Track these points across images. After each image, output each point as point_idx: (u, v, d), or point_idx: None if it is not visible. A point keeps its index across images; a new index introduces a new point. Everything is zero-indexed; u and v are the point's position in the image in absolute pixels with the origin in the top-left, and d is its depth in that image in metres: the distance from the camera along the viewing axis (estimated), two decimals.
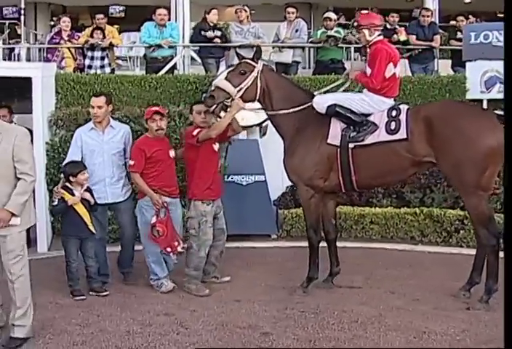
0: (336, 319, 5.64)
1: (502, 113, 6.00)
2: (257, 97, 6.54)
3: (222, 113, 6.64)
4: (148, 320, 5.66)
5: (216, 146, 6.76)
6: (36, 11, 19.91)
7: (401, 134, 6.02)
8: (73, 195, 6.37)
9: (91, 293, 6.44)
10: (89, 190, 6.50)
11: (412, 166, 6.19)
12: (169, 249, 6.55)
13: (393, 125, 6.07)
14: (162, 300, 6.27)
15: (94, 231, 6.50)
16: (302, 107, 6.49)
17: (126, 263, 7.05)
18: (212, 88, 6.99)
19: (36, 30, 19.47)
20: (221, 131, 6.58)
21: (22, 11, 14.78)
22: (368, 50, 6.59)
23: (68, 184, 6.43)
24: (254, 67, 6.44)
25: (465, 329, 5.39)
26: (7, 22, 16.91)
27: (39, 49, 14.65)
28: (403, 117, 6.07)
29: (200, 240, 6.59)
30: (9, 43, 15.16)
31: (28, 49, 14.57)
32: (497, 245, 5.91)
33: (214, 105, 6.42)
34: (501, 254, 6.24)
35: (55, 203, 6.44)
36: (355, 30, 6.88)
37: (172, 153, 6.80)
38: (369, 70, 6.36)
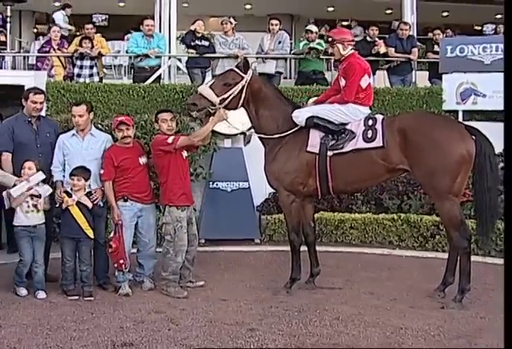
0: (318, 317, 5.93)
1: (469, 123, 6.43)
2: (240, 106, 6.77)
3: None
4: (140, 317, 5.91)
5: (185, 153, 6.93)
6: (20, 19, 19.99)
7: (378, 142, 6.34)
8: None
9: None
10: (89, 195, 6.69)
11: (386, 172, 6.52)
12: (115, 265, 6.71)
13: (369, 133, 6.39)
14: (152, 300, 6.51)
15: (90, 235, 6.67)
16: (285, 133, 6.75)
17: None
18: (196, 94, 7.07)
19: (20, 37, 19.58)
20: (204, 138, 6.84)
21: (8, 19, 14.96)
22: (341, 64, 6.86)
23: (69, 189, 6.65)
24: (243, 77, 6.64)
25: (439, 325, 5.70)
26: None
27: (24, 57, 14.88)
28: (379, 126, 6.39)
29: (176, 245, 6.75)
30: None
31: (14, 56, 14.78)
32: (468, 247, 6.27)
33: (196, 112, 6.68)
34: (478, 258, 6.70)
35: (57, 205, 6.66)
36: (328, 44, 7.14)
37: (141, 160, 6.94)
38: (343, 82, 6.68)
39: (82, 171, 6.68)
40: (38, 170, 6.59)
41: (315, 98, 7.27)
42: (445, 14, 20.23)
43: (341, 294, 6.77)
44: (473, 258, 6.51)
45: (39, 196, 6.58)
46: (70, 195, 6.60)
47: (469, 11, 18.53)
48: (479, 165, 6.18)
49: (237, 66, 6.80)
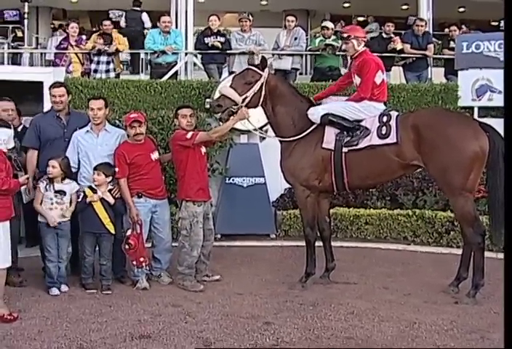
0: (333, 311, 6.01)
1: (484, 120, 6.43)
2: (260, 104, 6.84)
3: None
4: (157, 310, 6.02)
5: (203, 149, 7.03)
6: (37, 15, 20.01)
7: (392, 138, 6.40)
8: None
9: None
10: (110, 191, 6.75)
11: (400, 168, 6.58)
12: (134, 263, 6.80)
13: (384, 130, 6.46)
14: (169, 293, 6.62)
15: (111, 231, 6.74)
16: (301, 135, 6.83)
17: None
18: (218, 95, 7.22)
19: (37, 33, 19.69)
20: (222, 135, 6.95)
21: (26, 15, 15.04)
22: (353, 60, 6.94)
23: (93, 183, 6.72)
24: (261, 75, 6.71)
25: (453, 320, 5.76)
26: (10, 26, 17.15)
27: (41, 53, 14.98)
28: (393, 123, 6.45)
29: (192, 240, 6.84)
30: (12, 47, 15.35)
31: (31, 52, 14.88)
32: (482, 243, 6.31)
33: (221, 113, 6.72)
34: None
35: (79, 199, 6.70)
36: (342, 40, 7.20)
37: (153, 156, 6.99)
38: (358, 79, 6.77)
39: (104, 167, 6.73)
40: (62, 169, 6.66)
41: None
42: (461, 9, 20.13)
43: (356, 288, 6.84)
44: (487, 254, 6.55)
45: (64, 193, 6.66)
46: (94, 191, 6.68)
47: (486, 6, 18.42)
48: (492, 161, 6.21)
49: (252, 64, 6.89)
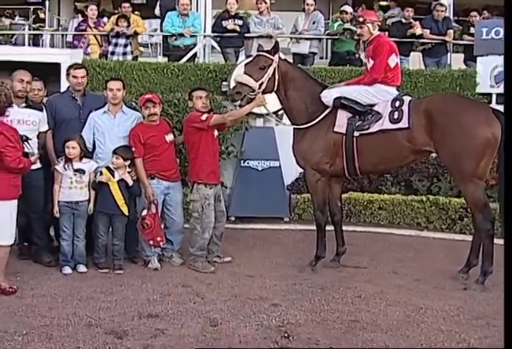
0: (341, 294, 6.07)
1: (496, 107, 6.38)
2: (275, 89, 6.87)
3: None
4: (167, 290, 6.10)
5: (216, 133, 7.08)
6: None
7: (404, 123, 6.41)
8: (113, 176, 6.76)
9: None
10: (128, 172, 6.84)
11: (411, 153, 6.60)
12: (151, 242, 6.90)
13: (396, 114, 6.47)
14: (180, 274, 6.70)
15: (125, 212, 6.81)
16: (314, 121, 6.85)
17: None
18: (233, 84, 7.30)
19: (59, 15, 19.76)
20: (237, 118, 7.01)
21: None
22: (368, 45, 6.96)
23: (111, 165, 6.79)
24: (272, 60, 6.73)
25: (460, 306, 5.79)
26: (32, 7, 17.21)
27: (62, 35, 15.05)
28: (405, 108, 6.47)
29: (203, 222, 6.91)
30: (34, 29, 15.44)
31: (52, 34, 14.95)
32: (491, 229, 6.32)
33: (240, 100, 6.77)
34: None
35: (97, 179, 6.78)
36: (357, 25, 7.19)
37: (168, 138, 7.05)
38: (371, 62, 6.78)
39: (122, 150, 6.80)
40: (81, 148, 6.74)
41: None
42: None
43: (365, 273, 6.89)
44: (498, 241, 6.53)
45: (83, 172, 6.73)
46: (111, 172, 6.76)
47: None
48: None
49: (262, 50, 6.89)
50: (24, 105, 6.82)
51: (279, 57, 6.88)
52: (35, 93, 7.16)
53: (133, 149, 6.87)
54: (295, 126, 7.03)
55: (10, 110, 6.21)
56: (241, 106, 6.95)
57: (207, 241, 7.01)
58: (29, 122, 6.69)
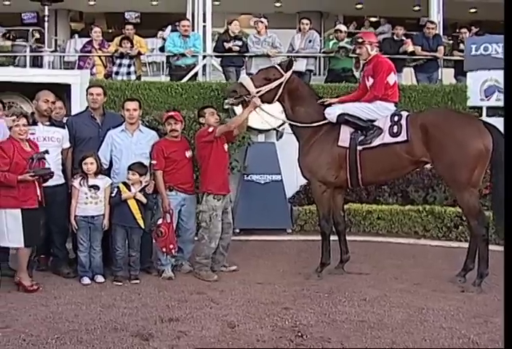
0: (347, 298, 6.43)
1: (492, 119, 6.74)
2: (274, 101, 7.27)
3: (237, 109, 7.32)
4: (184, 297, 6.44)
5: (226, 146, 7.47)
6: (56, 17, 20.32)
7: (403, 136, 6.82)
8: (130, 190, 7.08)
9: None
10: (143, 191, 7.14)
11: (410, 164, 7.02)
12: (164, 249, 7.22)
13: (395, 129, 6.88)
14: (193, 282, 7.04)
15: (142, 225, 7.12)
16: (318, 123, 7.26)
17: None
18: (237, 83, 7.76)
19: (56, 35, 20.08)
20: (239, 124, 7.30)
21: (46, 18, 15.40)
22: (366, 64, 7.36)
23: (127, 180, 7.10)
24: (282, 76, 7.13)
25: (459, 306, 6.16)
26: (31, 28, 17.51)
27: (60, 56, 15.42)
28: (403, 122, 6.88)
29: (211, 232, 7.25)
30: (34, 50, 15.75)
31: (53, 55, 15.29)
32: (486, 234, 6.72)
33: (233, 98, 7.19)
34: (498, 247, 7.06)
35: (113, 194, 7.09)
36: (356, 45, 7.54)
37: (187, 154, 7.45)
38: (371, 80, 7.18)
39: (138, 167, 7.12)
40: (97, 163, 7.07)
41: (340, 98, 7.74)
42: (473, 10, 20.39)
43: (368, 278, 7.25)
44: (493, 247, 6.95)
45: (98, 188, 7.04)
46: (127, 187, 7.08)
47: (497, 7, 18.62)
48: (495, 161, 6.58)
49: (279, 64, 7.33)
50: (48, 123, 7.22)
51: (292, 74, 7.25)
52: (56, 112, 7.55)
53: (154, 162, 7.24)
54: (298, 124, 7.34)
55: (36, 128, 6.62)
56: (233, 104, 7.48)
57: (213, 250, 7.35)
58: (54, 139, 7.11)
